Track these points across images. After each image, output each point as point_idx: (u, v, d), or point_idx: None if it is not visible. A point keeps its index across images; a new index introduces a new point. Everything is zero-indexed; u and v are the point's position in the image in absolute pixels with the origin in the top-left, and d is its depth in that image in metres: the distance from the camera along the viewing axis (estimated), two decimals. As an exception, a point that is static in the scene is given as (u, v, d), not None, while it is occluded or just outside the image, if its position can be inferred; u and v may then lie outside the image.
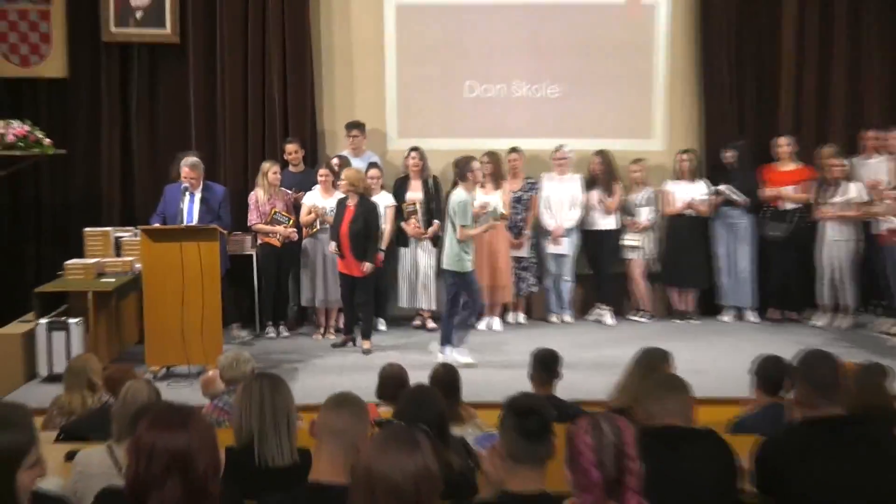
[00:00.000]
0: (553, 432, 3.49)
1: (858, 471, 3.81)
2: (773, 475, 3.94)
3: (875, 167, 10.26)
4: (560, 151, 10.74)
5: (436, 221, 10.45)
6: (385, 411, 5.42)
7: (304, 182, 10.38)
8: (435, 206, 10.53)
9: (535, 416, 3.49)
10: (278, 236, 10.00)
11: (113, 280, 9.17)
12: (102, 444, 4.48)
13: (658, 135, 11.37)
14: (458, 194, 8.90)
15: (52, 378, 8.30)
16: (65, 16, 10.89)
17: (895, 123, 10.27)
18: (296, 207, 10.20)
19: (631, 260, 10.89)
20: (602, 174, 10.80)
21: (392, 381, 5.91)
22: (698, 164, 10.92)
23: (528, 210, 10.58)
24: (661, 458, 3.64)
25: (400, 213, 10.41)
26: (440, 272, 10.65)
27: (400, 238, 10.51)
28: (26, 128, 9.91)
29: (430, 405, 4.40)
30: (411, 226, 10.42)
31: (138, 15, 10.83)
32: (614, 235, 10.86)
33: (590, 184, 10.84)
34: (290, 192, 10.25)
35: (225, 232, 9.06)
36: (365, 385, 5.86)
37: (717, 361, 8.78)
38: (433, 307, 10.62)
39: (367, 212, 9.40)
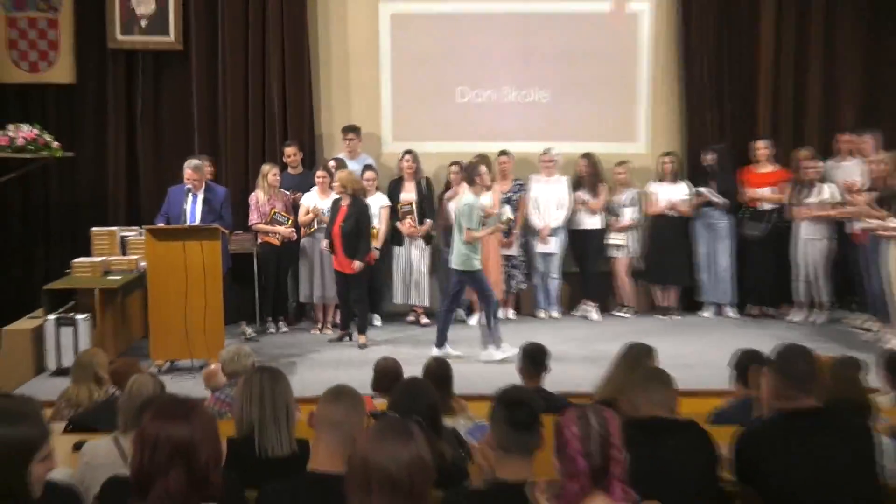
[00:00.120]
0: (541, 423, 3.49)
1: (833, 460, 3.82)
2: (752, 464, 3.95)
3: (849, 169, 10.27)
4: (547, 154, 10.74)
5: (427, 220, 10.46)
6: (380, 403, 5.41)
7: (303, 183, 10.37)
8: (428, 206, 10.54)
9: (523, 408, 3.50)
10: (278, 236, 10.00)
11: (119, 278, 9.17)
12: (109, 435, 4.47)
13: (641, 138, 11.38)
14: (466, 197, 8.90)
15: (61, 372, 8.29)
16: (72, 24, 10.90)
17: (868, 127, 10.27)
18: (294, 208, 10.19)
19: (615, 258, 10.90)
20: (588, 176, 10.81)
21: (387, 375, 5.91)
22: (680, 167, 10.93)
23: (517, 210, 10.57)
24: (646, 448, 3.65)
25: (395, 213, 10.41)
26: (433, 270, 10.71)
27: (394, 237, 10.50)
28: (35, 131, 9.93)
29: (424, 397, 4.39)
30: (406, 225, 10.42)
31: (143, 23, 10.83)
32: (599, 235, 10.87)
33: (576, 185, 10.85)
34: (288, 193, 10.24)
35: (226, 231, 9.04)
36: (361, 378, 5.85)
37: (699, 355, 8.77)
38: (426, 303, 10.62)
39: (359, 212, 9.39)
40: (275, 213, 9.99)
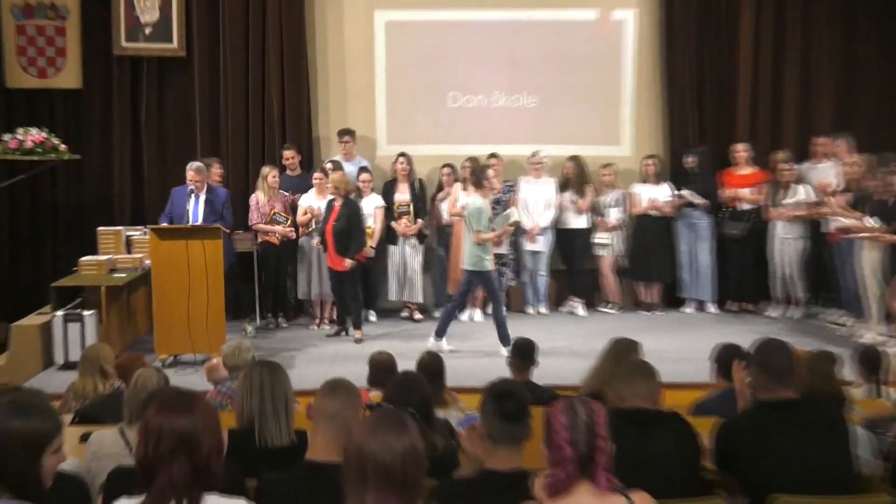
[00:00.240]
0: (529, 414, 3.50)
1: (809, 449, 3.83)
2: (732, 453, 3.96)
3: (824, 171, 10.29)
4: (536, 157, 10.74)
5: (419, 220, 10.47)
6: (375, 395, 5.40)
7: (301, 185, 10.37)
8: (421, 206, 10.54)
9: (512, 400, 3.50)
10: (277, 235, 9.99)
11: (124, 275, 9.15)
12: (115, 427, 4.46)
13: (626, 141, 11.38)
14: (474, 200, 8.88)
15: (68, 366, 8.26)
16: (79, 31, 10.92)
17: (843, 130, 10.30)
18: (293, 208, 10.18)
19: (601, 256, 10.91)
20: (574, 177, 10.81)
21: (382, 368, 5.90)
22: (662, 169, 10.94)
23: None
24: (631, 438, 3.66)
25: (390, 213, 10.40)
26: (426, 268, 10.71)
27: (389, 236, 10.50)
28: (43, 135, 9.92)
29: (417, 390, 4.38)
30: (402, 225, 10.41)
31: (147, 31, 10.82)
32: (586, 234, 10.87)
33: (563, 186, 10.85)
34: (287, 194, 10.23)
35: (227, 231, 9.02)
36: (357, 372, 5.84)
37: (681, 349, 8.76)
38: (420, 300, 10.62)
39: (350, 212, 9.39)
40: (274, 213, 9.98)
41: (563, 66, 11.18)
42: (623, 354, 5.48)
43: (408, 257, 10.54)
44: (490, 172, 9.02)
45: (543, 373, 6.40)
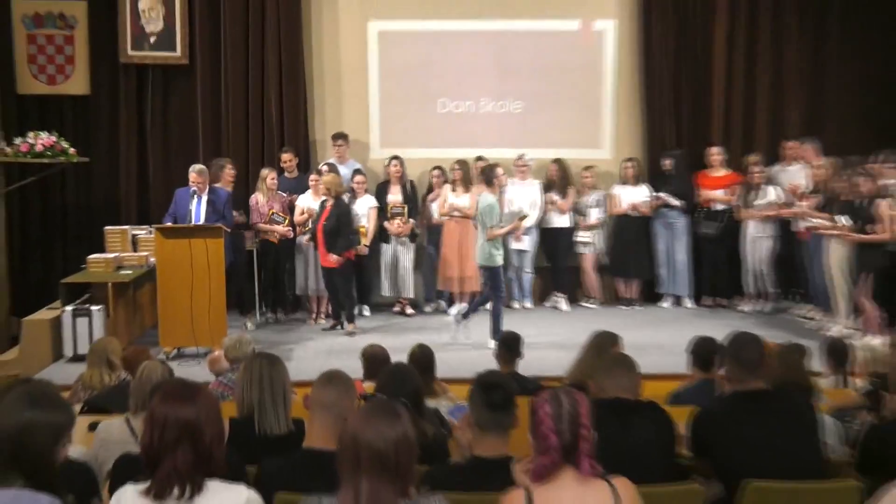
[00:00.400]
0: (515, 404, 3.50)
1: (779, 436, 3.84)
2: (706, 440, 3.97)
3: (793, 173, 10.32)
4: (521, 159, 10.72)
5: (411, 220, 10.46)
6: (369, 386, 5.40)
7: (298, 186, 10.35)
8: (412, 206, 10.53)
9: (499, 391, 3.50)
10: (276, 234, 9.98)
11: (130, 272, 9.13)
12: (121, 416, 4.46)
13: (606, 145, 11.38)
14: (485, 198, 8.84)
15: (77, 358, 8.23)
16: (87, 40, 10.88)
17: (810, 136, 10.33)
18: (290, 209, 10.16)
19: (583, 254, 10.91)
20: (558, 179, 10.82)
21: (375, 360, 5.90)
22: (641, 171, 10.94)
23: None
24: (612, 427, 3.67)
25: (382, 213, 10.39)
26: (417, 265, 10.70)
27: (381, 235, 10.48)
28: (53, 139, 9.90)
29: (409, 381, 4.39)
30: (395, 225, 10.40)
31: (152, 40, 10.79)
32: (568, 233, 10.87)
33: (547, 187, 10.85)
34: (285, 195, 10.20)
35: (228, 230, 9.00)
36: (352, 364, 5.83)
37: (658, 342, 8.77)
38: (411, 295, 10.61)
39: (339, 212, 9.36)
40: (273, 213, 9.96)
41: (546, 74, 11.18)
42: (604, 347, 5.50)
43: (399, 255, 10.53)
44: (499, 171, 9.00)
45: (529, 365, 6.40)
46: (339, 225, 9.33)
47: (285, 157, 10.52)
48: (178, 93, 11.09)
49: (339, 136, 10.71)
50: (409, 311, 10.60)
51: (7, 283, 10.30)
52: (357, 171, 10.44)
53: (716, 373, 5.25)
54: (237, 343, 5.99)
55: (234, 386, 5.00)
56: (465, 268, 10.30)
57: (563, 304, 10.92)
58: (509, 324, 8.44)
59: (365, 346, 6.15)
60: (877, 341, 7.20)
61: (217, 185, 9.54)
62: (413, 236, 10.57)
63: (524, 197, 10.67)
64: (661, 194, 10.65)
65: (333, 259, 9.34)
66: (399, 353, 5.91)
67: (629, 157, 11.00)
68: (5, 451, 2.70)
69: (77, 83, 10.89)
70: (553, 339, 8.99)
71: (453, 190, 10.34)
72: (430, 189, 10.74)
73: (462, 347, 8.70)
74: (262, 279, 10.10)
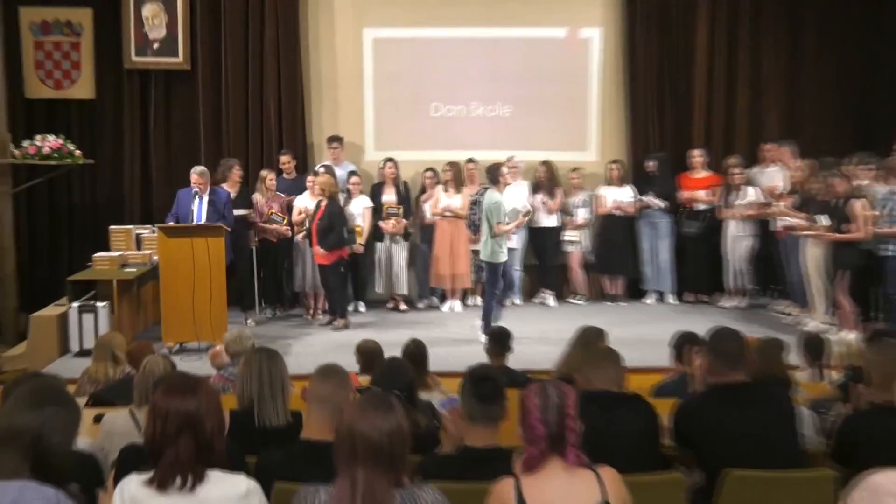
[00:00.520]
0: (505, 397, 3.51)
1: (758, 426, 3.85)
2: (688, 432, 3.97)
3: (772, 175, 10.35)
4: (511, 161, 10.70)
5: (403, 220, 10.45)
6: (364, 379, 5.40)
7: (296, 187, 10.33)
8: (406, 207, 10.53)
9: (489, 383, 3.51)
10: (274, 233, 9.97)
11: (134, 270, 9.12)
12: (125, 409, 4.45)
13: (592, 147, 11.38)
14: (491, 196, 8.82)
15: (83, 353, 8.23)
16: (93, 47, 10.86)
17: (788, 139, 10.36)
18: (289, 209, 10.15)
19: (570, 252, 10.91)
20: (546, 180, 10.82)
21: (370, 354, 5.90)
22: (626, 172, 10.93)
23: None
24: (598, 418, 3.67)
25: (377, 213, 10.38)
26: (411, 263, 10.69)
27: (376, 234, 10.47)
28: (60, 141, 9.91)
29: (402, 374, 4.39)
30: (390, 225, 10.39)
31: (155, 46, 10.77)
32: (556, 232, 10.87)
33: (535, 188, 10.85)
34: (283, 195, 10.20)
35: (228, 229, 8.99)
36: (348, 358, 5.83)
37: (643, 336, 8.77)
38: (404, 292, 10.60)
39: (332, 212, 9.37)
40: (272, 213, 9.95)
41: (535, 80, 11.17)
42: (591, 342, 5.50)
43: (393, 253, 10.52)
44: (504, 169, 8.99)
45: (518, 358, 6.41)
46: (332, 224, 9.33)
47: (284, 159, 10.51)
48: (181, 97, 11.07)
49: (335, 139, 10.70)
50: (403, 307, 10.58)
51: (15, 281, 10.26)
52: (352, 173, 10.43)
53: (693, 366, 5.25)
54: (237, 338, 5.98)
55: (234, 379, 5.00)
56: (456, 265, 10.31)
57: (551, 300, 10.93)
58: (499, 319, 8.46)
59: (360, 341, 6.15)
60: (851, 336, 7.21)
61: (224, 185, 9.56)
62: (406, 235, 10.57)
63: (513, 197, 10.66)
64: (645, 198, 10.67)
65: (321, 253, 9.34)
66: (393, 347, 5.89)
67: (614, 158, 11.00)
68: (22, 446, 2.70)
69: (83, 88, 10.87)
70: (541, 334, 8.98)
71: (445, 191, 10.35)
72: (423, 190, 10.74)
73: (454, 342, 8.69)
74: (261, 277, 10.09)
